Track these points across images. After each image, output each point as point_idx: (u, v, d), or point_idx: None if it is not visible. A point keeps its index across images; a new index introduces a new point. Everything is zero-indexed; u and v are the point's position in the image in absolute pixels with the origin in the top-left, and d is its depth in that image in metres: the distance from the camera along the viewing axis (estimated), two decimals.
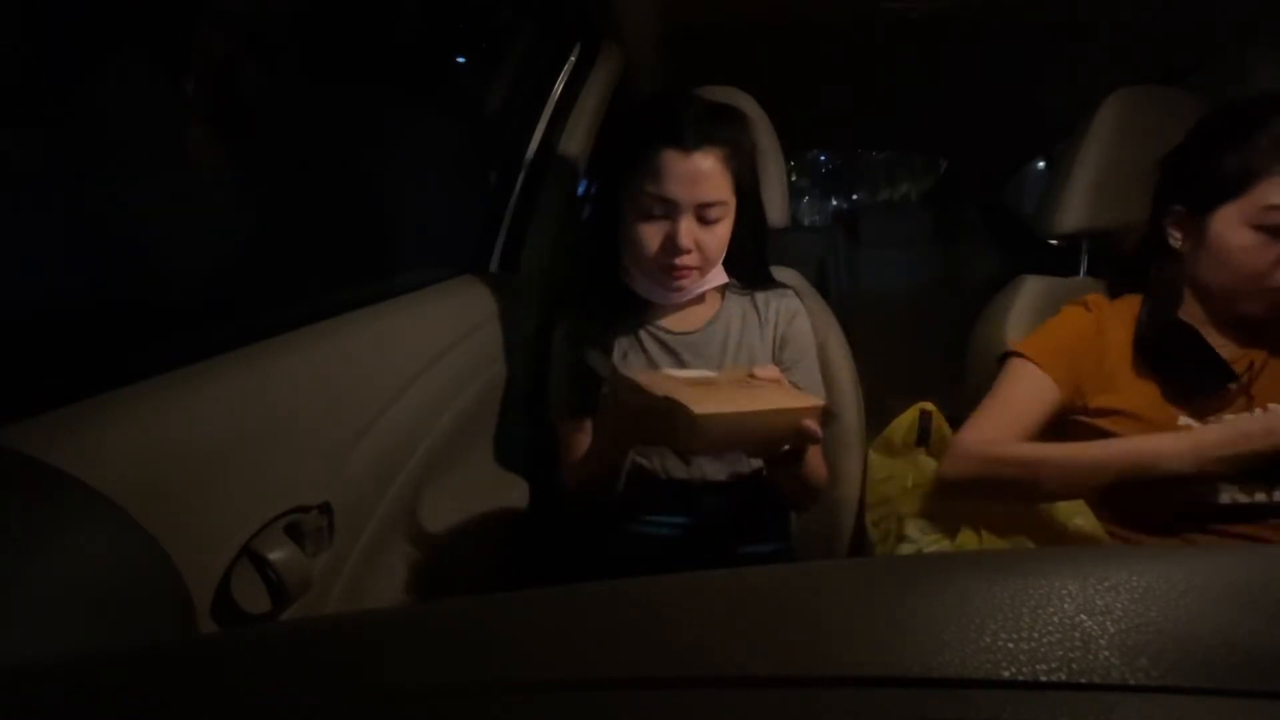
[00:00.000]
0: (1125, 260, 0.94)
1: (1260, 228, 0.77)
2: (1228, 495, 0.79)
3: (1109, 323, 0.88)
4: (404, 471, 0.75)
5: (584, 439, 0.90)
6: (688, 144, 0.79)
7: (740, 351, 0.92)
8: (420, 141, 1.26)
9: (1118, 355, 0.86)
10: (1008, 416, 0.86)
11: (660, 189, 0.79)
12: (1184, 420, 0.81)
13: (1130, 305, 0.89)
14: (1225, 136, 0.83)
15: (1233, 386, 0.81)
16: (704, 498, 0.91)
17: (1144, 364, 0.84)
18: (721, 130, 0.81)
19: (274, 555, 0.52)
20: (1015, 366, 0.88)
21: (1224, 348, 0.83)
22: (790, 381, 0.92)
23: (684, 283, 0.85)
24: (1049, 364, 0.86)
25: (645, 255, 0.83)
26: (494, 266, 1.20)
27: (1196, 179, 0.84)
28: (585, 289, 0.93)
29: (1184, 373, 0.82)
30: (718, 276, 0.89)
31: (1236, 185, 0.80)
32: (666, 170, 0.79)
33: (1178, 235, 0.86)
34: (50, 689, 0.24)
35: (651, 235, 0.82)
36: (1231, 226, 0.80)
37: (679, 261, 0.82)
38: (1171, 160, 0.89)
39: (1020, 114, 2.02)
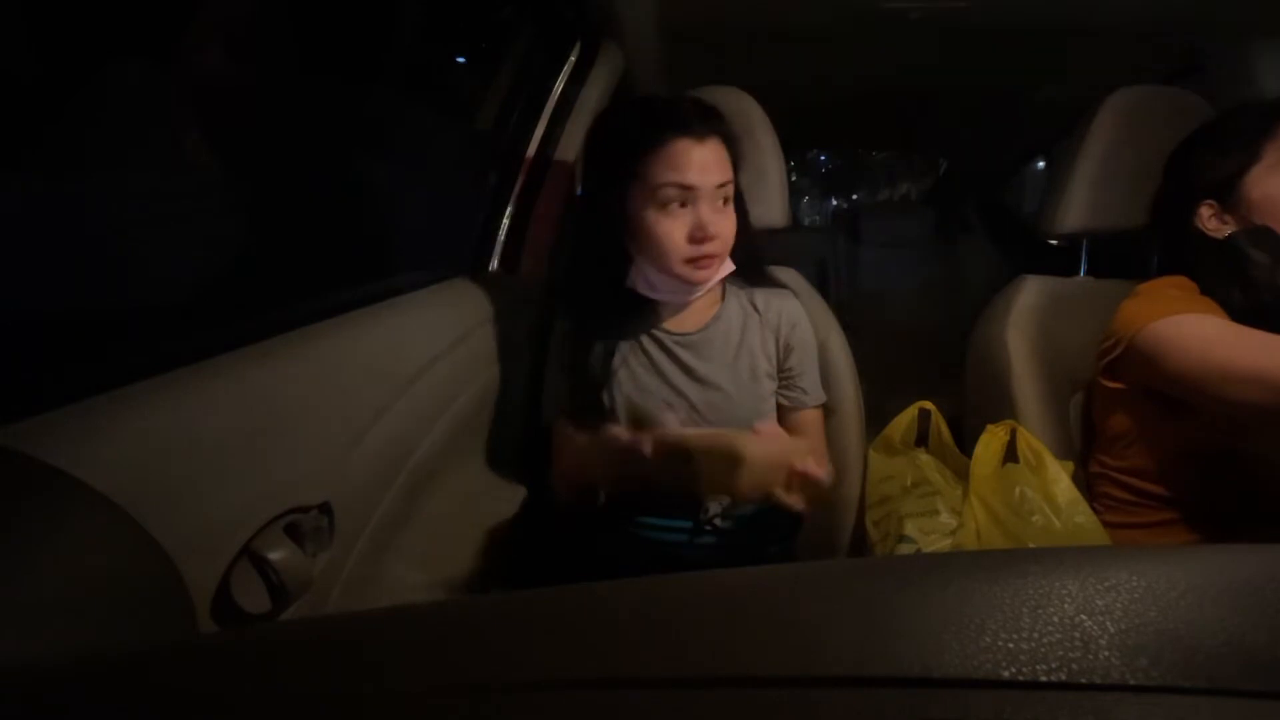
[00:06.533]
0: (1185, 262, 0.94)
1: None
2: None
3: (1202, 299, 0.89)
4: (404, 471, 0.75)
5: (579, 442, 0.90)
6: (698, 131, 0.81)
7: (742, 351, 0.92)
8: (420, 141, 1.26)
9: None
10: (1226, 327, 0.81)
11: (681, 177, 0.80)
12: None
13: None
14: (1220, 132, 0.89)
15: None
16: (703, 498, 0.91)
17: None
18: (720, 121, 0.84)
19: (274, 555, 0.52)
20: (1168, 325, 0.83)
21: None
22: (798, 386, 0.93)
23: (708, 273, 0.85)
24: (1196, 309, 0.84)
25: (671, 248, 0.82)
26: (494, 266, 1.20)
27: (1207, 173, 0.88)
28: (586, 293, 0.92)
29: None
30: (728, 265, 0.89)
31: (1250, 154, 0.85)
32: (684, 158, 0.80)
33: (1219, 226, 0.89)
34: (50, 689, 0.24)
35: (675, 227, 0.82)
36: (1270, 188, 0.84)
37: (706, 250, 0.82)
38: (1178, 165, 0.92)
39: (1020, 114, 2.02)
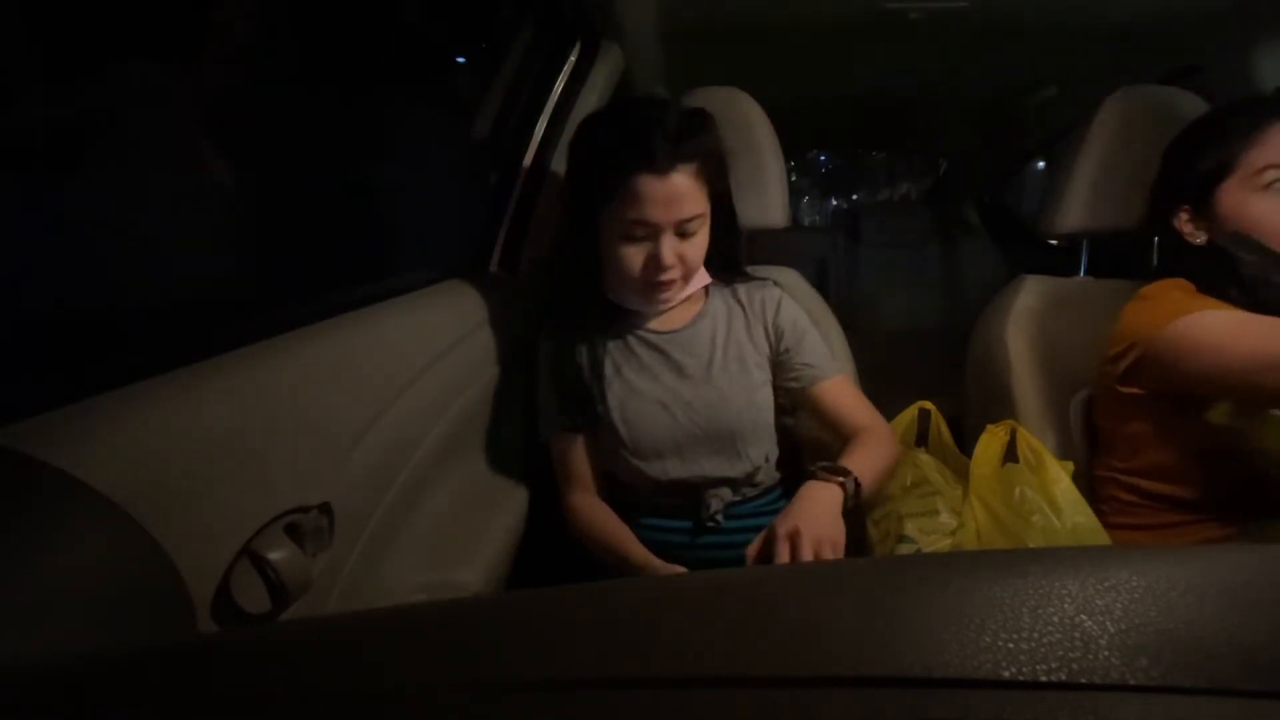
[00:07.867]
0: (1180, 263, 0.94)
1: (1267, 188, 0.81)
2: None
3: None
4: (404, 471, 0.75)
5: (577, 450, 0.92)
6: (662, 166, 0.78)
7: (729, 344, 0.93)
8: (420, 141, 1.26)
9: None
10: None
11: (640, 214, 0.79)
12: None
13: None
14: (1203, 134, 0.89)
15: None
16: (704, 495, 0.91)
17: None
18: (692, 144, 0.80)
19: (274, 555, 0.52)
20: (1188, 324, 0.82)
21: None
22: (800, 364, 0.93)
23: (668, 295, 0.86)
24: (1205, 306, 0.83)
25: (629, 275, 0.84)
26: (494, 266, 1.20)
27: (1187, 178, 0.88)
28: (570, 300, 0.94)
29: None
30: (700, 279, 0.91)
31: (1226, 163, 0.84)
32: (644, 195, 0.78)
33: (1194, 232, 0.89)
34: (50, 690, 0.24)
35: (634, 256, 0.82)
36: (1240, 202, 0.83)
37: (663, 278, 0.83)
38: (1161, 168, 0.92)
39: (1020, 114, 2.02)
